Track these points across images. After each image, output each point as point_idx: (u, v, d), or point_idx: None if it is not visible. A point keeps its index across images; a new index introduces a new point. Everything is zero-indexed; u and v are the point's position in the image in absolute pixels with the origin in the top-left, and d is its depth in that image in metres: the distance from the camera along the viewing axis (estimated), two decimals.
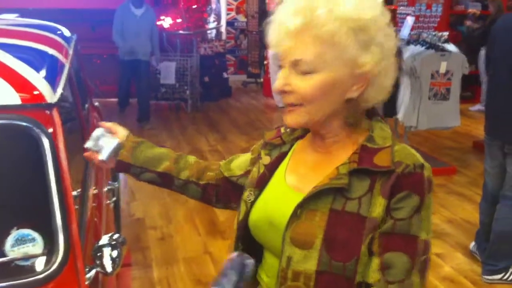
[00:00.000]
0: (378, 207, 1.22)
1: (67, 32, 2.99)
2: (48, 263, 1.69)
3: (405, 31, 6.71)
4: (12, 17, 4.27)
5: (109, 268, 1.78)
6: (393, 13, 11.02)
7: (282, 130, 1.49)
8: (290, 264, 1.26)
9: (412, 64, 5.69)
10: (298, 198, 1.29)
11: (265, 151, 1.48)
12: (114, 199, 2.89)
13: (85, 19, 8.94)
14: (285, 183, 1.38)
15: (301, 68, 1.22)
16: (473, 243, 4.24)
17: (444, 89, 5.80)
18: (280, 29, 1.23)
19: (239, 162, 1.64)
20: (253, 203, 1.42)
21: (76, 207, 1.91)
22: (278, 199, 1.37)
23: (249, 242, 1.44)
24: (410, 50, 5.90)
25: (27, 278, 1.65)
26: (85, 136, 2.67)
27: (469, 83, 8.07)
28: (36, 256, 1.70)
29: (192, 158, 1.73)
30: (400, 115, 5.90)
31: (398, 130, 6.51)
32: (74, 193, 1.89)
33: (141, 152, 1.70)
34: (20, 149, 1.85)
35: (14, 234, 1.69)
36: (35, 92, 1.82)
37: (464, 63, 5.87)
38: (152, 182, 1.71)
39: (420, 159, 1.26)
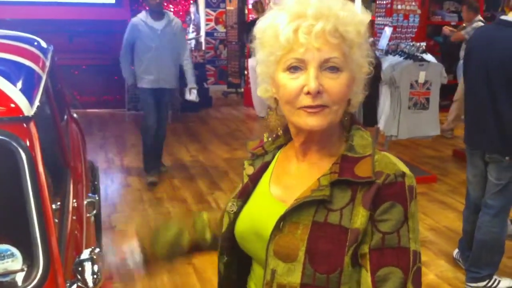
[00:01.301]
0: (360, 217, 1.21)
1: (43, 43, 2.96)
2: (28, 278, 1.66)
3: (383, 42, 6.76)
4: None
5: (90, 282, 1.75)
6: (371, 24, 11.12)
7: (265, 139, 1.47)
8: (274, 277, 1.25)
9: (391, 74, 5.73)
10: (282, 210, 1.27)
11: (248, 161, 1.46)
12: (94, 212, 2.85)
13: (62, 30, 8.81)
14: (269, 194, 1.37)
15: (330, 66, 1.21)
16: (456, 251, 4.25)
17: (423, 98, 5.85)
18: (302, 32, 1.20)
19: None
20: (237, 214, 1.40)
21: (56, 220, 1.88)
22: (263, 210, 1.35)
23: (236, 253, 1.43)
24: (389, 61, 5.95)
25: None
26: (64, 148, 2.64)
27: (448, 93, 8.13)
28: (15, 271, 1.67)
29: (205, 215, 1.64)
30: (381, 125, 5.93)
31: (379, 139, 6.54)
32: (54, 206, 1.86)
33: (160, 244, 1.57)
34: None
35: None
36: (12, 105, 1.80)
37: (442, 72, 5.92)
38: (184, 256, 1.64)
39: (401, 167, 1.25)
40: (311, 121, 1.23)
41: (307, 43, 1.19)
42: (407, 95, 5.76)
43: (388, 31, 6.98)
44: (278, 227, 1.26)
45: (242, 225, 1.38)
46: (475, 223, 3.86)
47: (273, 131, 1.44)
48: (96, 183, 3.79)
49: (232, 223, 1.40)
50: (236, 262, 1.46)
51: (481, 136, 3.72)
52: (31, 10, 8.54)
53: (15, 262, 1.67)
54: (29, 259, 1.67)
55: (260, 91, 1.37)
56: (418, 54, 5.87)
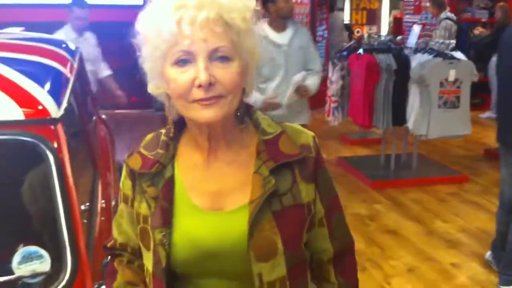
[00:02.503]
0: (306, 192, 1.29)
1: (71, 46, 2.98)
2: (56, 280, 1.67)
3: (412, 40, 6.69)
4: (17, 30, 4.26)
5: None
6: (399, 21, 11.01)
7: (145, 152, 1.33)
8: (262, 280, 1.25)
9: (421, 73, 5.65)
10: (225, 218, 1.26)
11: (145, 182, 1.31)
12: None
13: (91, 32, 8.89)
14: (197, 208, 1.29)
15: (220, 56, 1.18)
16: (489, 253, 4.16)
17: (453, 97, 5.75)
18: (185, 23, 1.15)
19: (131, 223, 1.40)
20: (170, 244, 1.28)
21: (84, 221, 1.88)
22: (204, 228, 1.27)
23: (174, 281, 1.32)
24: (418, 59, 5.86)
25: None
26: (92, 149, 2.65)
27: (479, 91, 8.01)
28: (43, 273, 1.68)
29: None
30: (410, 124, 5.85)
31: (408, 139, 6.46)
32: (82, 207, 1.86)
33: None
34: (25, 165, 1.83)
35: (21, 251, 1.67)
36: (39, 107, 1.81)
37: (473, 70, 5.82)
38: None
39: (308, 132, 1.35)
40: (207, 113, 1.19)
41: (192, 34, 1.15)
42: (437, 93, 5.67)
43: (416, 28, 6.91)
44: (251, 234, 1.23)
45: (184, 252, 1.27)
46: (508, 224, 3.78)
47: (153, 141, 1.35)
48: None
49: (169, 254, 1.27)
50: None
51: None
52: (59, 12, 8.63)
53: (43, 264, 1.68)
54: (57, 261, 1.68)
55: (151, 88, 1.30)
56: (448, 52, 5.78)
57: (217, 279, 1.30)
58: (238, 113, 1.29)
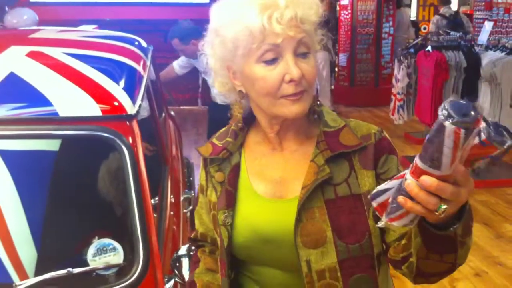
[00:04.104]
0: (366, 180, 1.27)
1: (144, 43, 3.03)
2: (128, 273, 1.70)
3: (483, 37, 6.48)
4: (90, 28, 4.38)
5: (187, 278, 1.77)
6: (470, 17, 10.69)
7: (216, 142, 1.41)
8: (311, 266, 1.26)
9: (492, 71, 5.48)
10: (284, 205, 1.29)
11: (214, 167, 1.40)
12: (190, 208, 2.90)
13: (158, 30, 9.03)
14: (258, 195, 1.34)
15: (302, 51, 1.21)
16: None
17: None
18: (274, 22, 1.17)
19: (208, 212, 1.47)
20: (232, 225, 1.34)
21: (155, 215, 1.92)
22: (262, 213, 1.32)
23: (235, 267, 1.39)
24: (489, 56, 5.69)
25: None
26: (162, 145, 2.70)
27: None
28: (117, 265, 1.72)
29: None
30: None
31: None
32: (152, 201, 1.90)
33: None
34: (100, 160, 1.88)
35: (96, 243, 1.72)
36: (115, 104, 1.85)
37: None
38: None
39: (374, 125, 1.34)
40: (295, 108, 1.22)
41: (282, 32, 1.17)
42: (509, 92, 5.49)
43: (488, 25, 6.68)
44: (299, 219, 1.25)
45: (243, 235, 1.34)
46: None
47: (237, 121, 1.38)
48: (191, 179, 3.86)
49: (231, 235, 1.35)
50: (238, 276, 1.42)
51: None
52: (128, 10, 8.80)
53: (116, 256, 1.72)
54: (130, 254, 1.72)
55: (219, 85, 1.33)
56: None
57: (272, 268, 1.34)
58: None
